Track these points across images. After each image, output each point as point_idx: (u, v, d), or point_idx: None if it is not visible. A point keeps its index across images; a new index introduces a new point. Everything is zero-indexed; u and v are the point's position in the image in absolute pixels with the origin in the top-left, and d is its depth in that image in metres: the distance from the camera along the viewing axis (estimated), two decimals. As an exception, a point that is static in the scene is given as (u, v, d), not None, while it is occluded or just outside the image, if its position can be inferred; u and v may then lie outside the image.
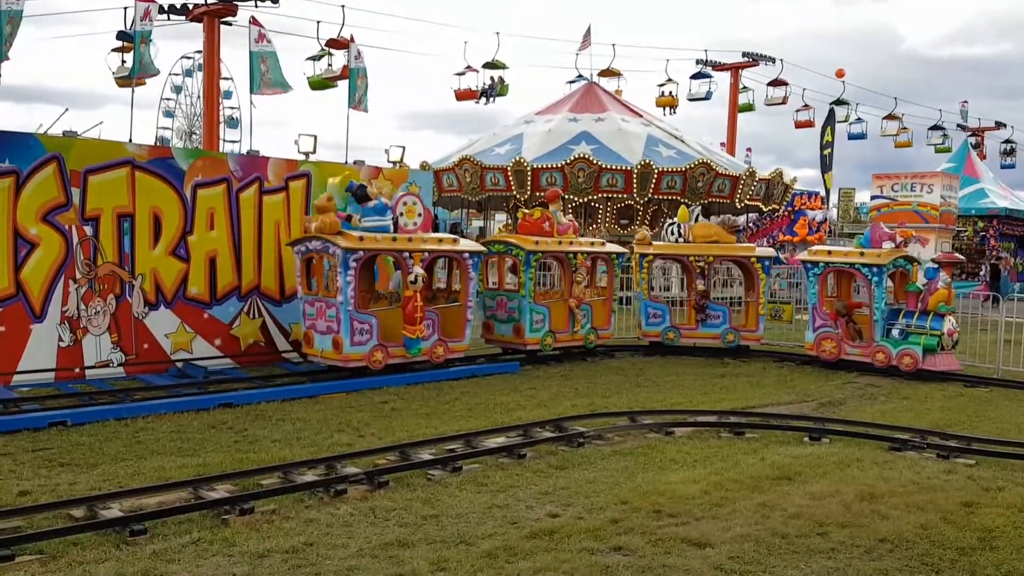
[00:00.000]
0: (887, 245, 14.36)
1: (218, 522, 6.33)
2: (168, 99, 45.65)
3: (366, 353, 12.01)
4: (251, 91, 17.28)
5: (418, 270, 12.24)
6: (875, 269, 14.06)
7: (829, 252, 15.33)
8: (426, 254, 12.60)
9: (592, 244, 15.63)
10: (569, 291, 15.05)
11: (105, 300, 11.58)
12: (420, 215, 12.81)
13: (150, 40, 27.67)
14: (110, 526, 6.06)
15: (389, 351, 12.23)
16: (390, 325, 12.31)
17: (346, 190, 12.60)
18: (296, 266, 12.58)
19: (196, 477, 7.19)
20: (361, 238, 11.93)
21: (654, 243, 16.54)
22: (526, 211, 15.89)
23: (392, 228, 12.40)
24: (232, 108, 43.19)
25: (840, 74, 40.26)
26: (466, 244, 13.63)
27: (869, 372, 14.13)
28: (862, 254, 14.39)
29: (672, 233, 16.38)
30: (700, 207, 19.41)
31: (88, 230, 11.42)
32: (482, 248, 14.07)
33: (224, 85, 36.01)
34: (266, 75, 17.55)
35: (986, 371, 14.20)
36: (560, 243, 14.83)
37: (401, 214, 12.58)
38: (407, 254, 12.32)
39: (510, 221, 31.29)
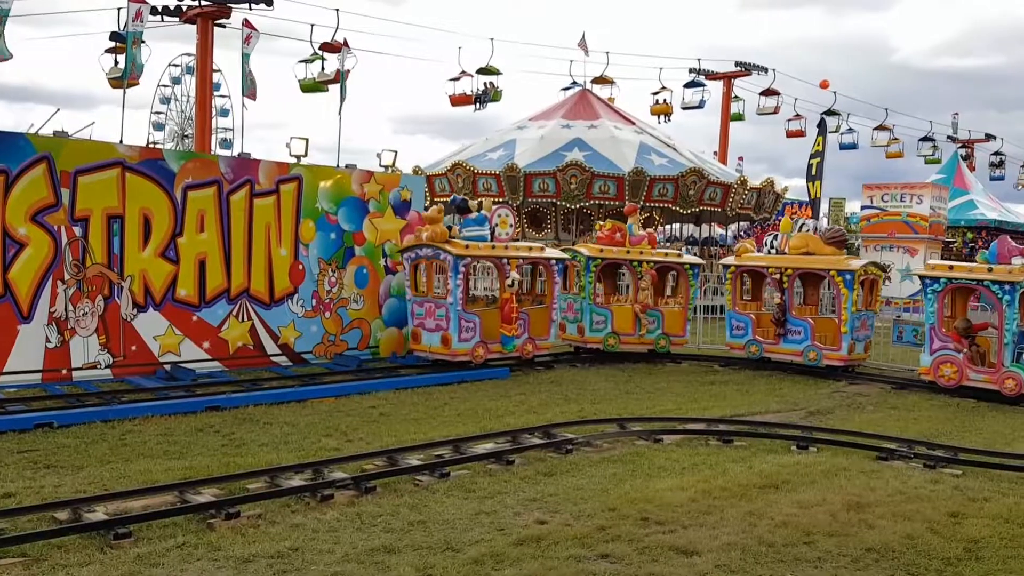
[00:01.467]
0: (1017, 261, 13.22)
1: (203, 526, 6.29)
2: (159, 110, 45.65)
3: (470, 348, 13.42)
4: (243, 92, 17.26)
5: (515, 275, 13.72)
6: (1007, 287, 12.69)
7: (951, 267, 13.94)
8: (521, 260, 14.00)
9: (666, 255, 16.29)
10: (635, 297, 15.81)
11: (93, 301, 11.52)
12: (512, 226, 14.29)
13: (142, 41, 27.68)
14: (94, 529, 6.03)
15: (488, 347, 13.59)
16: (488, 324, 13.71)
17: (449, 203, 14.12)
18: (405, 270, 13.97)
19: (182, 481, 7.16)
20: (467, 246, 13.35)
21: (746, 255, 15.80)
22: (601, 223, 17.01)
23: (489, 238, 13.77)
24: (223, 97, 43.17)
25: (824, 85, 40.41)
26: (551, 252, 15.15)
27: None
28: (990, 270, 13.07)
29: (767, 244, 15.75)
30: (803, 219, 18.23)
31: (77, 231, 11.37)
32: (566, 255, 15.46)
33: (220, 103, 36.02)
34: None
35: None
36: (628, 252, 15.66)
37: (496, 225, 13.97)
38: (505, 260, 13.71)
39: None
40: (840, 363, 14.60)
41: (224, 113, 43.40)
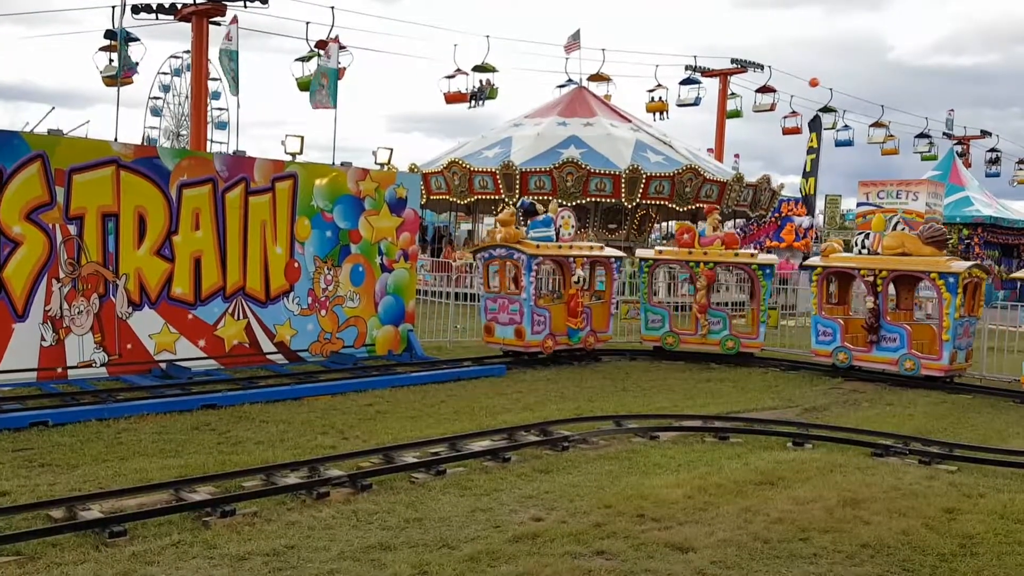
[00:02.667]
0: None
1: (199, 524, 6.28)
2: (156, 98, 45.50)
3: (541, 340, 14.53)
4: (233, 91, 17.24)
5: (580, 272, 14.81)
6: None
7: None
8: (585, 259, 15.01)
9: (736, 255, 15.86)
10: (696, 297, 15.79)
11: (88, 300, 11.49)
12: (574, 227, 15.33)
13: (136, 39, 27.63)
14: (89, 527, 6.01)
15: (556, 339, 14.70)
16: (556, 318, 14.87)
17: (518, 207, 14.90)
18: (479, 269, 15.23)
19: (178, 479, 7.14)
20: (538, 246, 14.54)
21: (834, 255, 14.79)
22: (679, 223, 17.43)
23: (555, 238, 14.78)
24: (220, 110, 43.09)
25: (814, 83, 40.48)
26: (611, 251, 16.13)
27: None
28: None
29: (857, 244, 14.89)
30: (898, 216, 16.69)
31: (72, 229, 11.33)
32: (621, 255, 16.22)
33: (212, 86, 35.94)
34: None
35: (969, 378, 14.26)
36: (691, 253, 15.67)
37: (560, 226, 14.94)
38: (571, 259, 14.76)
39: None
40: (940, 373, 13.48)
41: (221, 126, 43.30)
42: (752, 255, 16.15)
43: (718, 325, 15.64)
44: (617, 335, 17.97)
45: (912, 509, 7.14)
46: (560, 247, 14.90)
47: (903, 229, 14.53)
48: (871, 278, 14.01)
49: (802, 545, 6.26)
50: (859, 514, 6.95)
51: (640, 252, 16.62)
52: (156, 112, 45.63)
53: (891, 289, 14.69)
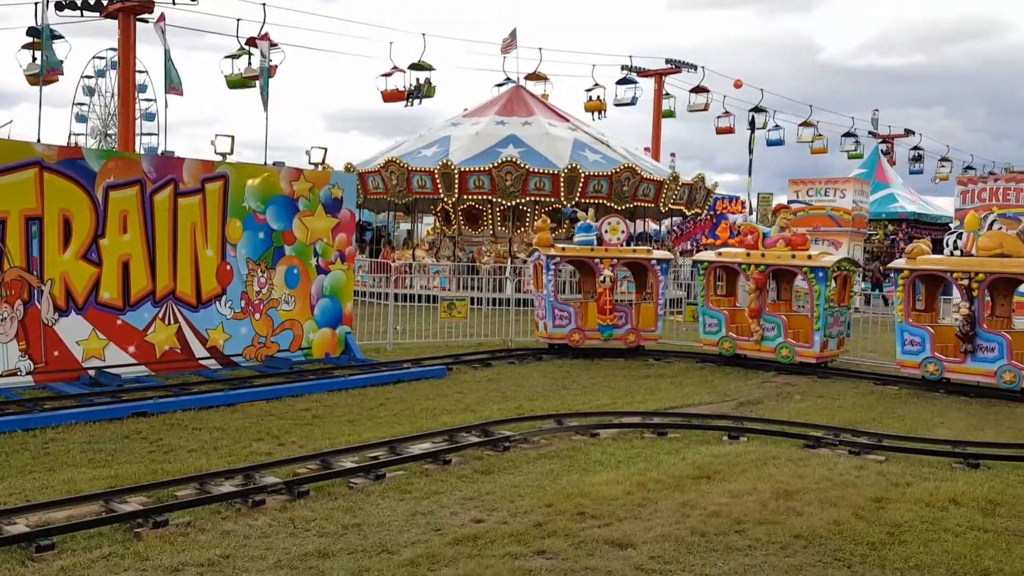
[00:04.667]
0: None
1: (130, 536, 6.12)
2: (81, 104, 44.26)
3: (567, 334, 15.76)
4: (165, 89, 16.85)
5: (607, 272, 15.58)
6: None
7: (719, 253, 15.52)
8: (615, 261, 15.81)
9: (793, 257, 14.68)
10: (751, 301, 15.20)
11: (12, 306, 11.09)
12: (623, 232, 16.12)
13: (60, 37, 26.77)
14: (15, 542, 5.81)
15: (586, 334, 15.73)
16: (586, 314, 15.96)
17: (562, 215, 15.53)
18: (530, 271, 16.89)
19: (108, 489, 6.93)
20: (564, 248, 16.35)
21: (922, 257, 13.69)
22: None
23: (596, 242, 15.91)
24: (148, 100, 42.11)
25: (738, 84, 41.33)
26: (658, 254, 16.73)
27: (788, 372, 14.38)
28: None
29: (949, 244, 13.81)
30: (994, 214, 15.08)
31: (-8, 233, 10.92)
32: (670, 256, 16.65)
33: (139, 79, 35.08)
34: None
35: (894, 369, 14.64)
36: (748, 255, 15.14)
37: (605, 231, 15.99)
38: (598, 260, 15.76)
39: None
40: None
41: (150, 117, 42.31)
42: (809, 256, 14.68)
43: (772, 331, 14.79)
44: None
45: (843, 499, 7.33)
46: (593, 249, 15.91)
47: (1001, 228, 13.49)
48: (965, 282, 12.90)
49: (737, 537, 6.38)
50: (792, 505, 7.11)
51: (699, 254, 16.61)
52: (82, 118, 44.36)
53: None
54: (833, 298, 14.51)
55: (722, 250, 16.30)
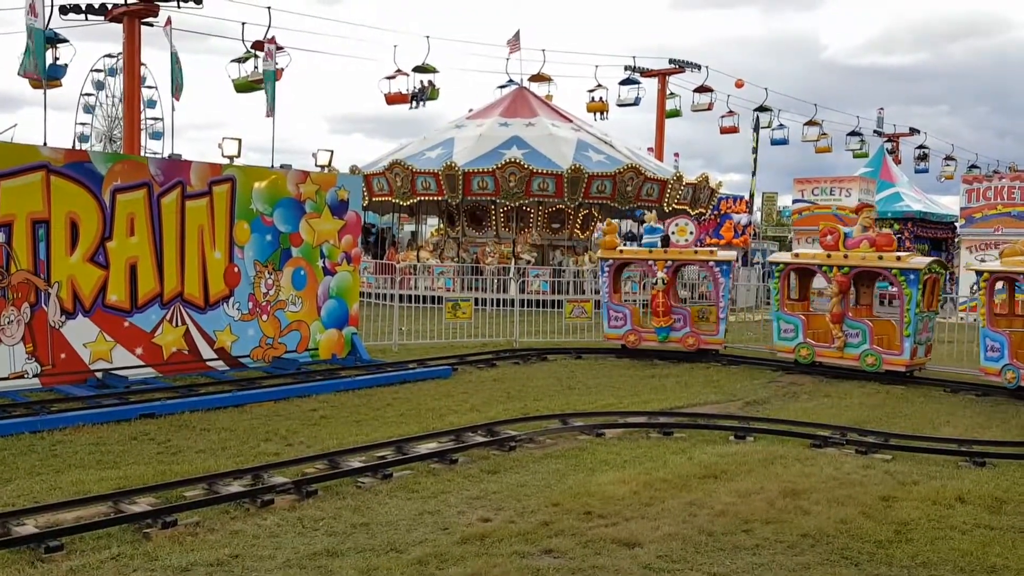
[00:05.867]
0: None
1: (139, 536, 6.14)
2: (89, 94, 44.23)
3: (622, 335, 15.97)
4: (172, 92, 16.90)
5: (660, 274, 15.53)
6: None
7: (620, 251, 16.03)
8: (668, 263, 15.64)
9: (880, 258, 13.72)
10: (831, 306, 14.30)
11: (19, 309, 11.14)
12: (691, 233, 15.81)
13: (64, 40, 26.85)
14: (24, 543, 5.84)
15: (642, 336, 15.82)
16: (640, 316, 16.17)
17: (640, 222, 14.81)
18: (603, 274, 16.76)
19: (116, 490, 6.96)
20: (621, 251, 16.33)
21: (1016, 258, 12.77)
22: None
23: (661, 244, 15.79)
24: (155, 119, 42.07)
25: (739, 84, 41.31)
26: (722, 254, 16.26)
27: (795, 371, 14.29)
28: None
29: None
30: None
31: (0, 237, 10.97)
32: (731, 257, 16.16)
33: (147, 94, 35.15)
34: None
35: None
36: (829, 256, 14.15)
37: (672, 233, 15.81)
38: (651, 262, 15.72)
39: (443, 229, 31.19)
40: None
41: (151, 104, 42.27)
42: (898, 258, 13.74)
43: (857, 338, 13.88)
44: (567, 334, 18.11)
45: (850, 498, 7.33)
46: (651, 251, 15.90)
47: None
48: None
49: (745, 537, 6.39)
50: (799, 504, 7.12)
51: (774, 255, 16.08)
52: (89, 109, 44.29)
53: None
54: (921, 302, 13.49)
55: (799, 251, 15.73)
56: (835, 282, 13.98)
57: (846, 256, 14.01)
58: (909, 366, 13.59)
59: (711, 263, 15.93)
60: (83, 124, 43.50)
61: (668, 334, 15.66)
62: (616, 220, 34.79)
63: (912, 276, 13.35)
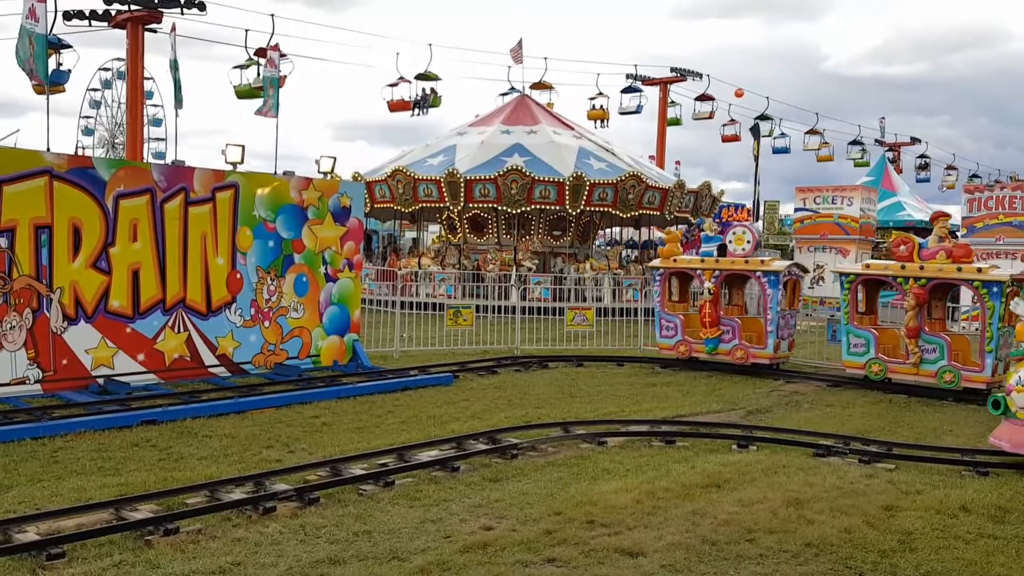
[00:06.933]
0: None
1: (141, 543, 6.13)
2: (88, 117, 44.46)
3: (673, 345, 15.63)
4: (175, 99, 16.93)
5: (707, 284, 15.08)
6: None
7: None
8: (717, 273, 15.15)
9: (959, 270, 13.01)
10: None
11: (21, 314, 11.14)
12: (749, 242, 15.22)
13: (68, 46, 26.90)
14: (26, 550, 5.82)
15: (692, 346, 15.38)
16: (690, 326, 15.58)
17: (695, 224, 14.96)
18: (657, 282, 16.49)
19: (118, 497, 6.95)
20: (675, 260, 15.84)
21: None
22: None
23: (716, 253, 15.34)
24: (155, 107, 42.29)
25: (739, 94, 41.39)
26: (776, 264, 15.34)
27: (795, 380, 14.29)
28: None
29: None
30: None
31: (3, 242, 10.98)
32: (780, 268, 15.00)
33: (146, 85, 35.24)
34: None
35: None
36: (903, 268, 13.32)
37: (730, 241, 15.32)
38: (699, 272, 15.29)
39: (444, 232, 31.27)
40: None
41: (157, 123, 42.51)
42: (979, 269, 13.06)
43: (934, 353, 13.23)
44: (568, 342, 18.09)
45: (853, 507, 7.31)
46: (703, 260, 15.47)
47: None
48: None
49: (749, 546, 6.37)
50: (803, 514, 7.09)
51: (842, 266, 15.13)
52: (89, 131, 44.54)
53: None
54: (1004, 316, 12.68)
55: (870, 262, 14.71)
56: (912, 295, 13.20)
57: (922, 267, 13.20)
58: (990, 383, 12.69)
59: (758, 273, 15.08)
60: (86, 125, 43.73)
61: (716, 345, 15.19)
62: (617, 228, 35.00)
63: (995, 289, 12.68)
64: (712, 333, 15.16)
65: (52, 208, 11.39)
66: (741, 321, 15.35)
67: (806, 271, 16.61)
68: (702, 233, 16.13)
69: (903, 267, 13.45)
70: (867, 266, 14.23)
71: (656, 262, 16.32)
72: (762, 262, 15.31)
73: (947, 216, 14.47)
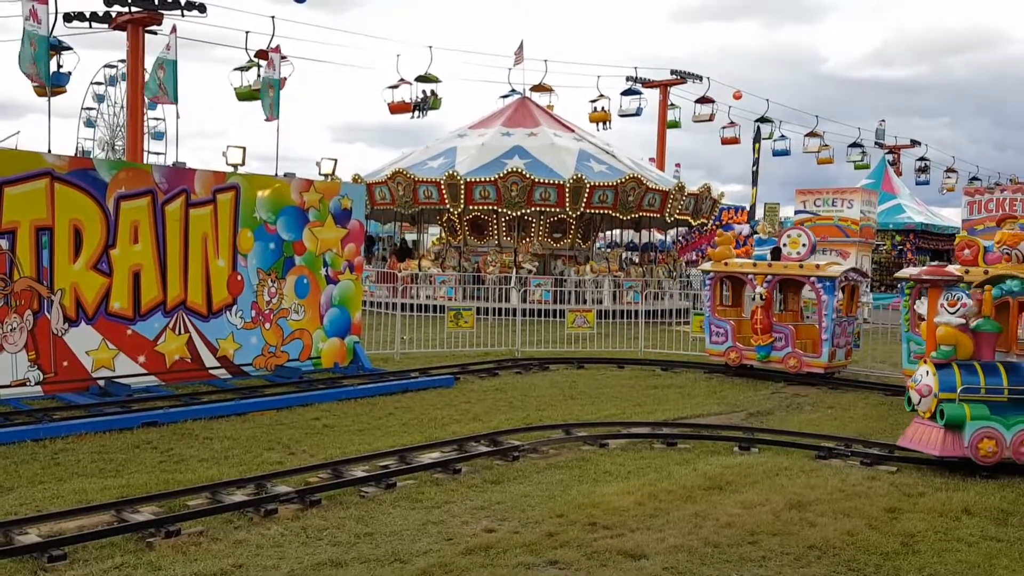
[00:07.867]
0: None
1: (143, 545, 6.12)
2: (90, 108, 44.42)
3: (723, 351, 15.10)
4: (173, 99, 16.92)
5: (759, 289, 14.61)
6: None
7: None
8: (769, 277, 14.65)
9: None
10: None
11: (22, 316, 11.13)
12: (804, 245, 14.59)
13: (68, 48, 26.90)
14: (27, 552, 5.81)
15: (743, 353, 14.87)
16: (741, 332, 15.13)
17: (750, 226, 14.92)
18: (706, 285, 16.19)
19: (119, 499, 6.94)
20: (726, 263, 15.26)
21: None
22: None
23: (769, 256, 14.97)
24: (157, 119, 42.23)
25: (737, 96, 41.41)
26: (832, 269, 14.48)
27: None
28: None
29: None
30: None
31: (3, 244, 10.97)
32: (836, 273, 14.38)
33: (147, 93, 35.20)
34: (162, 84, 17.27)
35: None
36: (967, 272, 12.12)
37: (784, 244, 14.83)
38: (750, 276, 14.86)
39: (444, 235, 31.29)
40: None
41: (158, 136, 42.48)
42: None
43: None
44: (568, 344, 18.08)
45: (856, 510, 7.30)
46: (755, 264, 14.99)
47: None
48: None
49: (751, 548, 6.36)
50: (805, 516, 7.08)
51: (904, 271, 13.98)
52: (90, 123, 44.50)
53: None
54: None
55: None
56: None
57: (986, 272, 11.94)
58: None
59: (812, 279, 14.44)
60: (86, 139, 43.70)
61: (768, 353, 14.65)
62: (617, 230, 34.97)
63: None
64: (764, 340, 14.66)
65: (53, 210, 11.38)
66: (795, 328, 14.83)
67: (865, 276, 16.24)
68: (755, 236, 15.93)
69: (967, 271, 12.31)
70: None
71: (707, 265, 15.99)
72: (817, 266, 14.59)
73: (1015, 218, 14.05)
